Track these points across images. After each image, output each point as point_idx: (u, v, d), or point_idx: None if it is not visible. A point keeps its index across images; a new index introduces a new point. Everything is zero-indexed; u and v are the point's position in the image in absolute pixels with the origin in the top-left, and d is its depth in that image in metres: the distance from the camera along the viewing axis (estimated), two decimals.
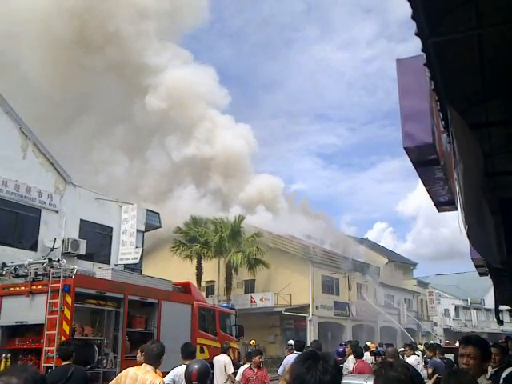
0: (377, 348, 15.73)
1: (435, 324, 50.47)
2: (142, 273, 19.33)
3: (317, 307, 32.94)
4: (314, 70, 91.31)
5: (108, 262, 19.44)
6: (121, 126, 37.05)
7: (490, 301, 44.90)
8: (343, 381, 2.00)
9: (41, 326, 10.15)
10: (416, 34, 2.69)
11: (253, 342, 22.75)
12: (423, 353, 15.44)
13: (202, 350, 13.88)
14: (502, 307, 19.51)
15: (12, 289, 10.95)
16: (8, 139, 16.39)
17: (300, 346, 10.17)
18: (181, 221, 31.47)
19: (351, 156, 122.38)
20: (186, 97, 36.42)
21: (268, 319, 31.97)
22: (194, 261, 30.99)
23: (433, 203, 5.13)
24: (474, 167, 3.92)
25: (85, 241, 17.98)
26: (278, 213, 39.33)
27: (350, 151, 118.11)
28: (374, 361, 11.49)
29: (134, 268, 19.81)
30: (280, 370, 10.37)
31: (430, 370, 9.48)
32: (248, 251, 29.77)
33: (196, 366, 4.20)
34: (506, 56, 3.33)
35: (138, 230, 20.26)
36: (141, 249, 20.32)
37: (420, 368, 10.30)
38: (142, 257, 20.51)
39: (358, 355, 9.91)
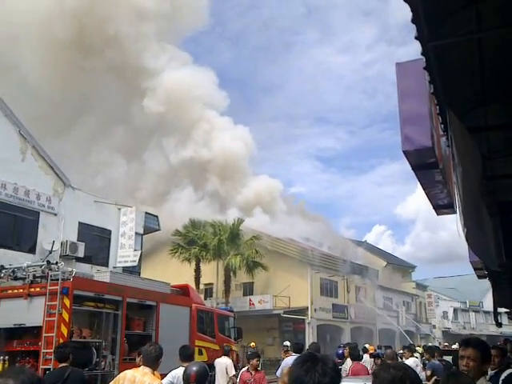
0: (375, 350, 15.71)
1: (434, 326, 50.53)
2: (141, 275, 19.28)
3: (315, 310, 32.90)
4: (313, 74, 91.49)
5: (106, 264, 19.41)
6: (119, 128, 37.11)
7: (488, 303, 44.88)
8: (342, 383, 2.00)
9: (39, 328, 10.14)
10: (416, 38, 2.69)
11: (252, 344, 22.71)
12: (422, 355, 15.44)
13: (200, 353, 13.87)
14: (501, 310, 19.48)
15: (10, 291, 10.94)
16: (7, 142, 16.37)
17: (298, 348, 10.14)
18: (179, 223, 31.43)
19: (350, 159, 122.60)
20: (184, 99, 36.45)
21: (266, 322, 31.93)
22: (193, 263, 30.94)
23: (432, 206, 5.12)
24: (473, 170, 3.94)
25: (83, 243, 17.96)
26: (276, 215, 39.33)
27: (350, 154, 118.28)
28: (373, 363, 11.50)
29: (133, 270, 19.83)
30: (278, 372, 10.36)
31: (429, 372, 9.51)
32: (247, 254, 29.74)
33: (194, 368, 4.19)
34: (506, 59, 3.35)
35: (136, 233, 20.25)
36: (139, 251, 20.31)
37: (418, 370, 10.30)
38: (140, 259, 20.50)
39: (354, 357, 9.90)
